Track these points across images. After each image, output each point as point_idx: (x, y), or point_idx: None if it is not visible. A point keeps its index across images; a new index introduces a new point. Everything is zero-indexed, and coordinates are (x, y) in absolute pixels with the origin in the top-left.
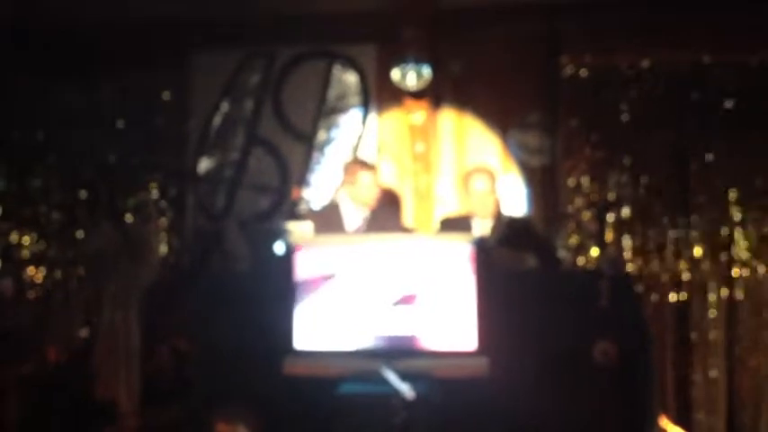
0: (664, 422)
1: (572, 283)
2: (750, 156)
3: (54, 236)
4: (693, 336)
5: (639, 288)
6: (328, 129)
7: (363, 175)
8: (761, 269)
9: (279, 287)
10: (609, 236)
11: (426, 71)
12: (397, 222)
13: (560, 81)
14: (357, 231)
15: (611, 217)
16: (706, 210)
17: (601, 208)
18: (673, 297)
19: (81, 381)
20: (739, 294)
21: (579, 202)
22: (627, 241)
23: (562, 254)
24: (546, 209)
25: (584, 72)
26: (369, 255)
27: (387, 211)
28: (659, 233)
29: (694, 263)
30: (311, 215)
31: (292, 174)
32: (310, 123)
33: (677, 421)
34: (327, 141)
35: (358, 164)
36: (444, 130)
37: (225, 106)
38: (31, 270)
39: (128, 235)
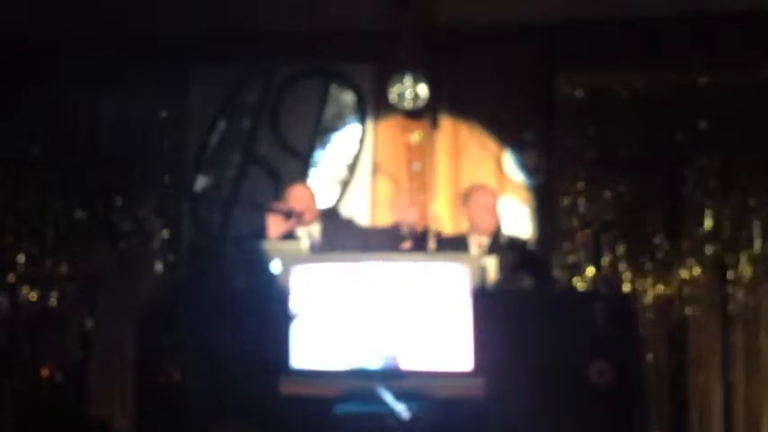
0: None
1: (568, 302)
2: (746, 176)
3: (49, 254)
4: (689, 356)
5: (635, 308)
6: (325, 147)
7: (292, 190)
8: (759, 290)
9: (275, 305)
10: (605, 255)
11: (423, 90)
12: (357, 236)
13: (556, 101)
14: (313, 249)
15: (606, 237)
16: (701, 230)
17: (596, 228)
18: (668, 317)
19: (75, 398)
20: (735, 315)
21: (575, 221)
22: (622, 261)
23: (558, 273)
24: (542, 228)
25: (579, 92)
26: (365, 273)
27: (340, 226)
28: (654, 253)
29: (690, 283)
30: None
31: None
32: (307, 142)
33: None
34: (324, 160)
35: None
36: (441, 149)
37: (222, 124)
38: (25, 288)
39: (124, 252)
